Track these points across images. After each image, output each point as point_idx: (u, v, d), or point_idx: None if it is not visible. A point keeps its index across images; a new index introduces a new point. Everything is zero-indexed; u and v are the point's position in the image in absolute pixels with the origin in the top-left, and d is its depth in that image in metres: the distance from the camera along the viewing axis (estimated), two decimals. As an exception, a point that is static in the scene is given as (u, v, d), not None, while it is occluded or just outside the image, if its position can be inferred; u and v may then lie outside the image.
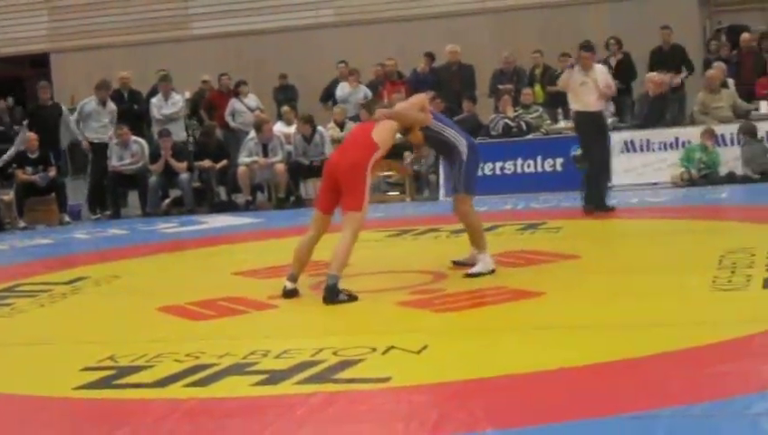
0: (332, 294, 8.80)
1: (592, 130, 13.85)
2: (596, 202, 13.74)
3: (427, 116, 9.79)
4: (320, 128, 18.20)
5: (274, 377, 6.65)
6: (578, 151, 15.11)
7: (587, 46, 14.17)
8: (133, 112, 19.24)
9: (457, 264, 10.10)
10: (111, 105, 18.51)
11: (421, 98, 10.10)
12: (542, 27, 24.12)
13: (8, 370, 7.78)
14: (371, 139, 9.21)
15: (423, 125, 9.71)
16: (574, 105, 13.96)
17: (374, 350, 7.17)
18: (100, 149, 18.25)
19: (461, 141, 9.84)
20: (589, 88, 13.75)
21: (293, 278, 9.23)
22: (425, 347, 7.18)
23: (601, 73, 13.99)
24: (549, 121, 18.25)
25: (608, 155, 14.49)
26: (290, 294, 9.16)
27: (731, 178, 15.95)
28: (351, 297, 8.86)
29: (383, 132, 9.28)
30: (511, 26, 24.50)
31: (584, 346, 6.97)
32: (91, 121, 18.23)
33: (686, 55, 19.69)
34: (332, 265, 8.92)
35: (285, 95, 21.91)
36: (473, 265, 9.83)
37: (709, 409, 5.48)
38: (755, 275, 8.74)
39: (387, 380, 6.44)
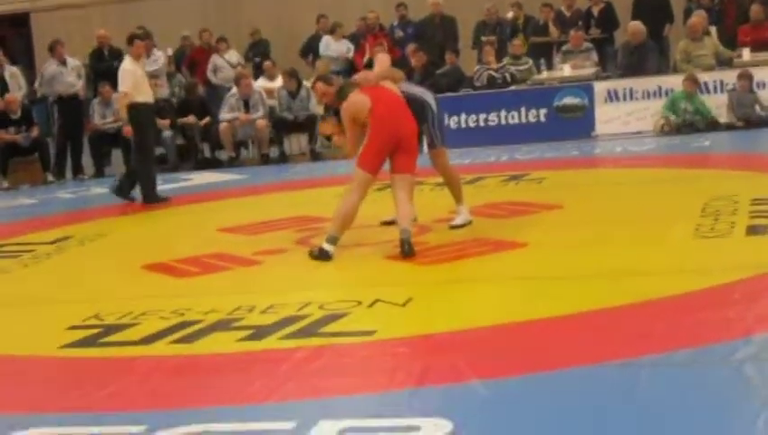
0: (411, 248, 8.63)
1: (152, 123, 14.14)
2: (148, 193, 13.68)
3: (401, 72, 10.01)
4: (305, 83, 18.11)
5: (260, 332, 6.68)
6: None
7: (140, 35, 14.22)
8: (114, 70, 19.07)
9: (386, 223, 10.03)
10: (74, 61, 18.24)
11: (387, 57, 10.19)
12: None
13: (-7, 330, 7.79)
14: (402, 99, 9.26)
15: (401, 79, 9.77)
16: (138, 97, 13.45)
17: (359, 303, 7.21)
18: (69, 104, 17.90)
19: (428, 95, 9.92)
20: (146, 78, 13.97)
21: (336, 241, 8.91)
22: (409, 300, 7.23)
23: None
24: (535, 72, 18.22)
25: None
26: (329, 257, 8.82)
27: (714, 126, 15.95)
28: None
29: (396, 90, 9.31)
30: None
31: (567, 296, 7.00)
32: (55, 84, 17.92)
33: (669, 4, 19.61)
34: (404, 223, 8.76)
35: (258, 51, 21.59)
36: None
37: (692, 356, 5.52)
38: (738, 222, 8.76)
39: (371, 333, 6.47)
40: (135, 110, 13.38)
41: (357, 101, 9.17)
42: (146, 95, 13.62)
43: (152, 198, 13.53)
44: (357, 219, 9.14)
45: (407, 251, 8.62)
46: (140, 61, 13.91)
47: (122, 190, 13.74)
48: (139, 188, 13.65)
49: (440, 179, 10.35)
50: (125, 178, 13.93)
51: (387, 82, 9.34)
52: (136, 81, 13.46)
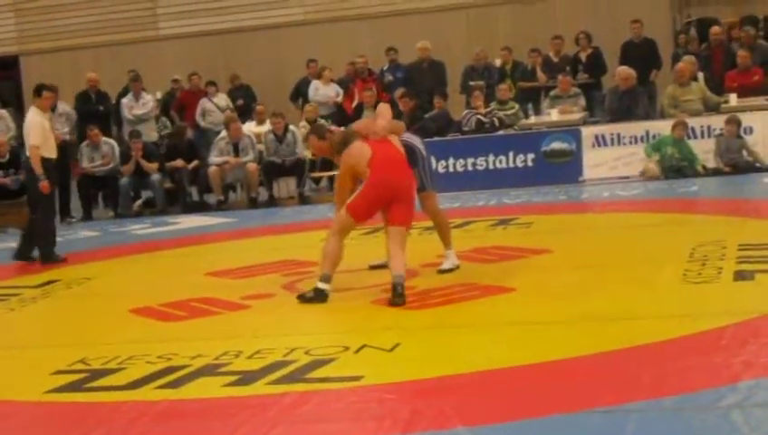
0: (402, 295, 8.57)
1: (54, 180, 13.18)
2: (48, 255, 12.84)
3: (402, 124, 10.08)
4: (292, 127, 18.16)
5: (247, 378, 6.66)
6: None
7: (49, 87, 13.31)
8: (99, 114, 19.13)
9: (374, 267, 10.06)
10: (63, 107, 18.15)
11: (388, 107, 10.12)
12: (514, 23, 24.12)
13: (-21, 374, 7.74)
14: (403, 154, 9.27)
15: (402, 132, 9.78)
16: (42, 152, 12.66)
17: (346, 348, 7.19)
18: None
19: (416, 139, 9.96)
20: (51, 132, 13.07)
21: (329, 279, 8.91)
22: (397, 345, 7.20)
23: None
24: (522, 117, 18.28)
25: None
26: (326, 297, 8.84)
27: (701, 173, 15.99)
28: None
29: (398, 143, 9.35)
30: (483, 22, 24.49)
31: (555, 342, 6.99)
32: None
33: (657, 50, 19.72)
34: (397, 270, 8.68)
35: (240, 95, 21.56)
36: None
37: (680, 402, 5.51)
38: (726, 267, 8.78)
39: (359, 378, 6.45)
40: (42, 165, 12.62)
41: (358, 152, 9.15)
42: (50, 150, 12.87)
43: (49, 259, 12.71)
44: (344, 264, 9.14)
45: (398, 296, 8.55)
46: (47, 113, 13.04)
47: (22, 253, 12.94)
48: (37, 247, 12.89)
49: (429, 224, 10.36)
50: (24, 240, 13.07)
51: (392, 136, 9.36)
52: (44, 134, 12.71)
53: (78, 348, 7.94)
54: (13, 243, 15.12)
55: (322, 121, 18.38)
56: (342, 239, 9.05)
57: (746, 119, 16.23)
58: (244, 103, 20.80)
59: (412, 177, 9.22)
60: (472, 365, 6.55)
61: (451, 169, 16.99)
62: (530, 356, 6.64)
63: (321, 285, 8.88)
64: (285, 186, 18.48)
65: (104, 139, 18.13)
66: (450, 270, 9.78)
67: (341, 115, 19.37)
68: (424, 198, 9.91)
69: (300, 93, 20.95)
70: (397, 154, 9.22)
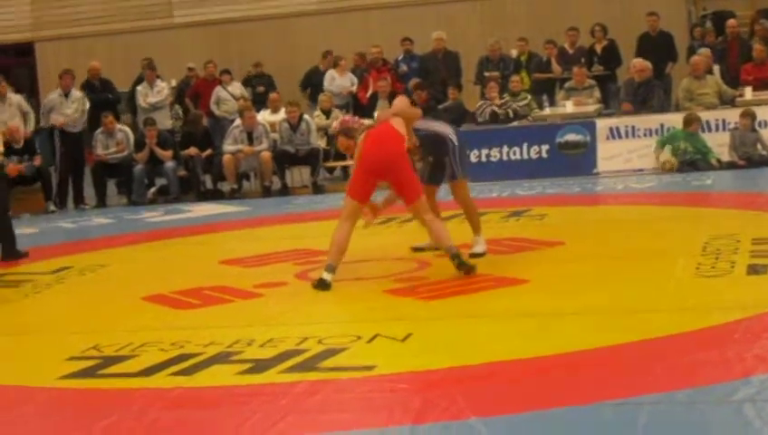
0: (463, 261, 9.02)
1: None
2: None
3: (419, 110, 10.17)
4: (306, 116, 18.16)
5: (259, 366, 6.67)
6: None
7: None
8: (108, 101, 19.14)
9: (417, 249, 10.24)
10: (76, 94, 18.25)
11: (400, 99, 10.23)
12: (529, 14, 24.12)
13: (-8, 360, 7.77)
14: (398, 131, 9.31)
15: (418, 118, 9.83)
16: None
17: (359, 338, 7.20)
18: (70, 134, 17.92)
19: (448, 129, 10.03)
20: None
21: (334, 270, 9.04)
22: (409, 335, 7.20)
23: None
24: (536, 108, 18.25)
25: None
26: (328, 286, 8.95)
27: (716, 166, 15.95)
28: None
29: (400, 126, 9.38)
30: (498, 13, 24.49)
31: (568, 334, 6.99)
32: (53, 114, 17.88)
33: (673, 42, 19.66)
34: (443, 246, 9.17)
35: (260, 83, 21.65)
36: (432, 249, 10.09)
37: (692, 395, 5.50)
38: (739, 261, 8.76)
39: (371, 368, 6.46)
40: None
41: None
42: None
43: (11, 254, 12.25)
44: (358, 253, 9.17)
45: (459, 265, 8.94)
46: None
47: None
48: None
49: (442, 213, 10.36)
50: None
51: (396, 118, 9.43)
52: None
53: (91, 335, 7.96)
54: (28, 229, 15.22)
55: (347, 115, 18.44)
56: (351, 226, 9.19)
57: (761, 112, 16.19)
58: (266, 91, 20.79)
59: (398, 148, 9.24)
60: (484, 356, 6.56)
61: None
62: (542, 348, 6.64)
63: (325, 275, 8.98)
64: (299, 174, 18.49)
65: (119, 126, 18.18)
66: (481, 254, 9.88)
67: (356, 105, 19.37)
68: (454, 186, 10.04)
69: (310, 83, 20.94)
70: (385, 130, 9.35)
